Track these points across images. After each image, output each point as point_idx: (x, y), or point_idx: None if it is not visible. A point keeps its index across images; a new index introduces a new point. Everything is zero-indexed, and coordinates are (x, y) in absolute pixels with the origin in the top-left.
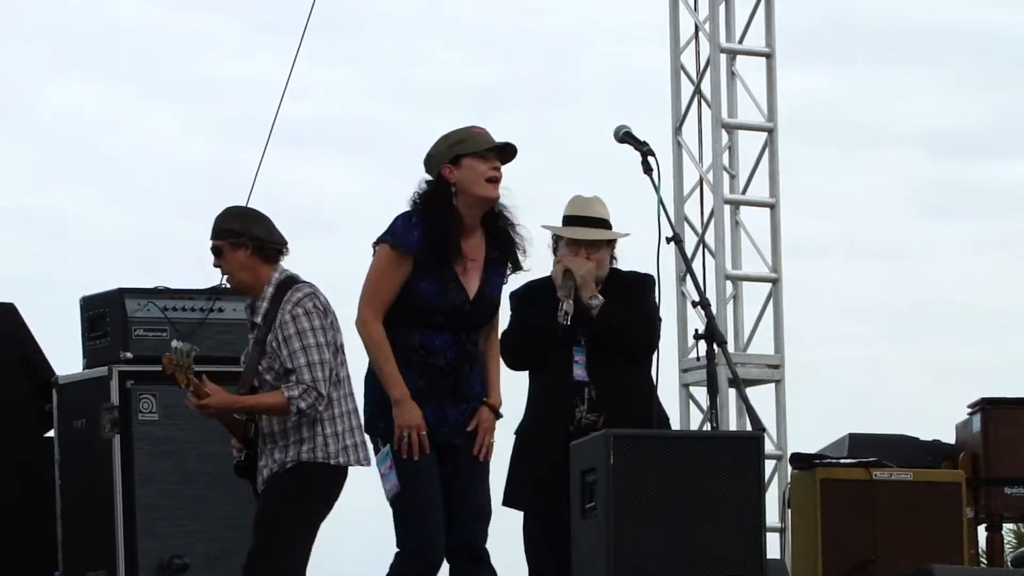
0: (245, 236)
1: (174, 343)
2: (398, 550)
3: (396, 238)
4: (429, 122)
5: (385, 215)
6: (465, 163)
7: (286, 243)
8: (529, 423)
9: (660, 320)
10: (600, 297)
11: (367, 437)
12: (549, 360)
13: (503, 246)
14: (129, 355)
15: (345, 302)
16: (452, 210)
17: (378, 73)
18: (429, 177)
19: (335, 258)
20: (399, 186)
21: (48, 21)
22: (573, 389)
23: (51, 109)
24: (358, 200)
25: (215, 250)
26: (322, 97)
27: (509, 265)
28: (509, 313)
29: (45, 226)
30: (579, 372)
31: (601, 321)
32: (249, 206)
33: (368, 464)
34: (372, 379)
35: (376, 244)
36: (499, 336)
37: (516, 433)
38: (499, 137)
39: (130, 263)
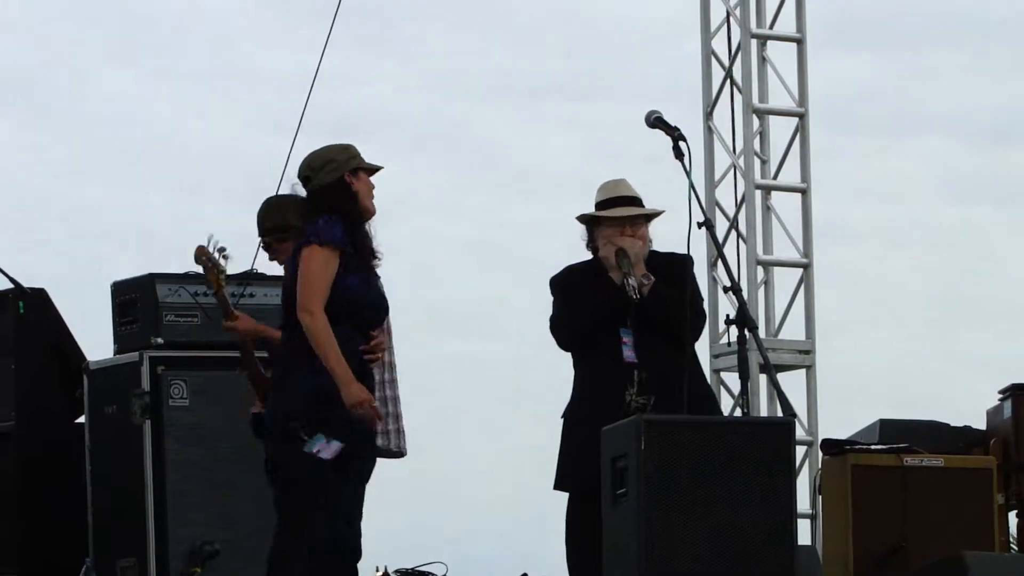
0: (289, 228)
1: (209, 236)
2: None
3: (321, 237)
4: (464, 112)
5: (426, 204)
6: (361, 176)
7: None
8: (579, 406)
9: (703, 301)
10: (651, 276)
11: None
12: (598, 341)
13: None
14: (160, 340)
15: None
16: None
17: (416, 63)
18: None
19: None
20: (438, 175)
21: (91, 11)
22: (623, 372)
23: (84, 97)
24: (401, 189)
25: (266, 247)
26: (363, 84)
27: None
28: (552, 298)
29: (78, 213)
30: (628, 354)
31: (655, 301)
32: (281, 194)
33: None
34: (292, 366)
35: (302, 247)
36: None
37: (564, 416)
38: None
39: (159, 250)
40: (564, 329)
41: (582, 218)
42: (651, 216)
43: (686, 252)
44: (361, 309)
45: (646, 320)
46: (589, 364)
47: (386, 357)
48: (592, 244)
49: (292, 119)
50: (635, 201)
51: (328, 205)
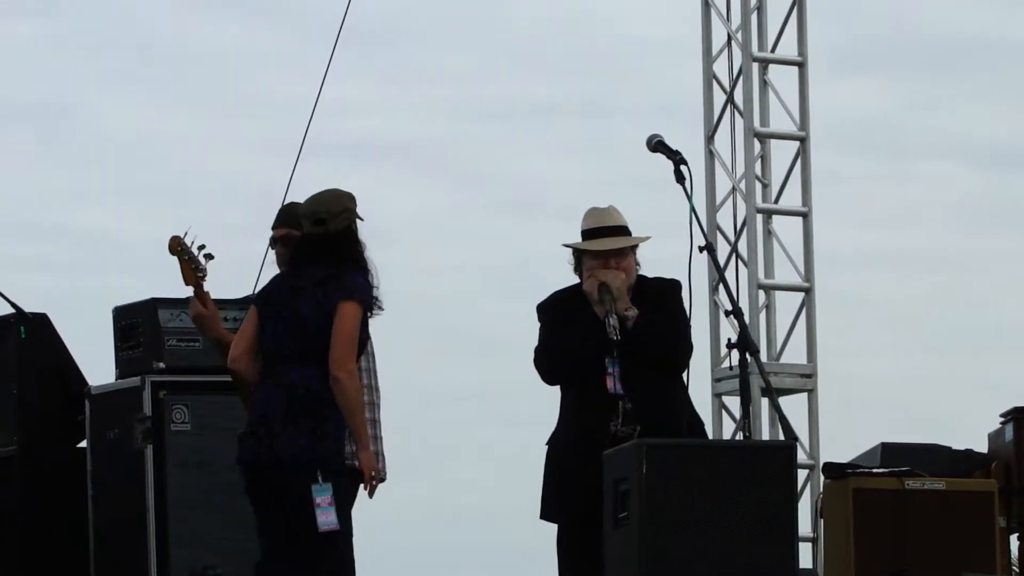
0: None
1: (188, 228)
2: None
3: (363, 297)
4: (470, 137)
5: (434, 230)
6: (357, 225)
7: None
8: (562, 436)
9: (690, 328)
10: (634, 308)
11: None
12: (583, 372)
13: None
14: (162, 365)
15: (396, 314)
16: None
17: (422, 89)
18: (320, 223)
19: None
20: (449, 201)
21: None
22: (608, 403)
23: (89, 122)
24: (412, 214)
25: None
26: (373, 112)
27: None
28: (539, 326)
29: (80, 238)
30: (613, 385)
31: (637, 334)
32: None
33: None
34: (330, 414)
35: (344, 300)
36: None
37: (548, 445)
38: None
39: (163, 274)
40: (548, 367)
41: (569, 246)
42: (637, 245)
43: (673, 277)
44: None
45: (631, 352)
46: (574, 394)
47: (365, 379)
48: (579, 270)
49: (296, 148)
50: (621, 231)
51: (354, 253)
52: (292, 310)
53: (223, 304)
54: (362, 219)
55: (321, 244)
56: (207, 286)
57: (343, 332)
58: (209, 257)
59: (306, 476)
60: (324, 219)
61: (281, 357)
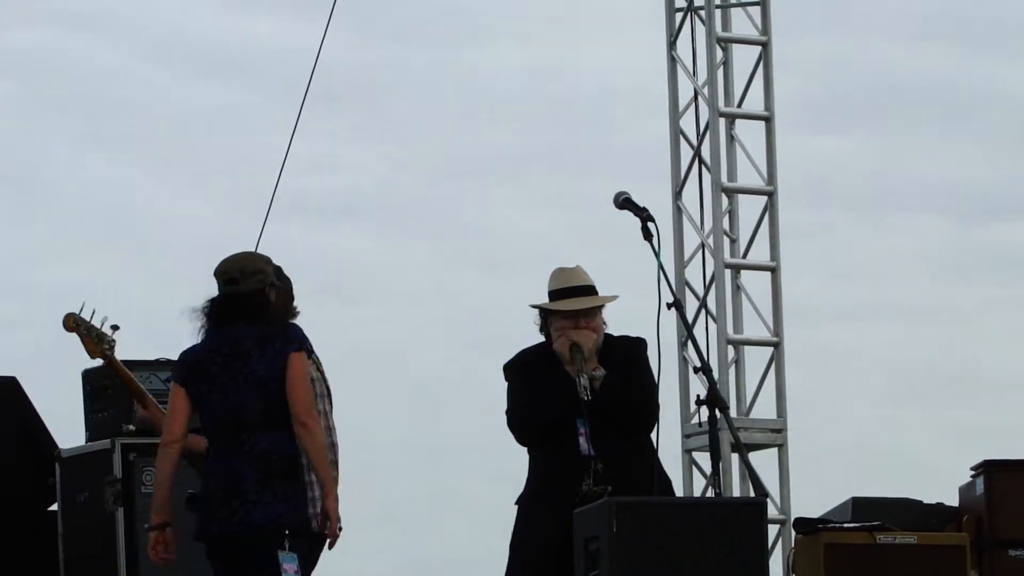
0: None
1: (82, 303)
2: None
3: (307, 346)
4: (437, 192)
5: (402, 283)
6: (270, 291)
7: None
8: (533, 495)
9: (658, 387)
10: (602, 369)
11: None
12: (554, 432)
13: None
14: (131, 428)
15: (362, 368)
16: None
17: (389, 145)
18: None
19: (351, 322)
20: (417, 255)
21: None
22: (578, 463)
23: (55, 180)
24: (379, 268)
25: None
26: (346, 167)
27: None
28: (507, 385)
29: (48, 299)
30: (585, 445)
31: (605, 396)
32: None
33: None
34: (300, 474)
35: (294, 352)
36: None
37: (518, 504)
38: None
39: (133, 335)
40: (521, 428)
41: (537, 307)
42: (604, 304)
43: (639, 336)
44: None
45: (601, 412)
46: (545, 453)
47: (323, 422)
48: (545, 329)
49: (280, 204)
50: (589, 290)
51: (266, 315)
52: (248, 376)
53: (132, 365)
54: (278, 284)
55: (234, 304)
56: (120, 354)
57: (302, 383)
58: (115, 328)
59: (277, 543)
60: (235, 279)
61: (244, 424)
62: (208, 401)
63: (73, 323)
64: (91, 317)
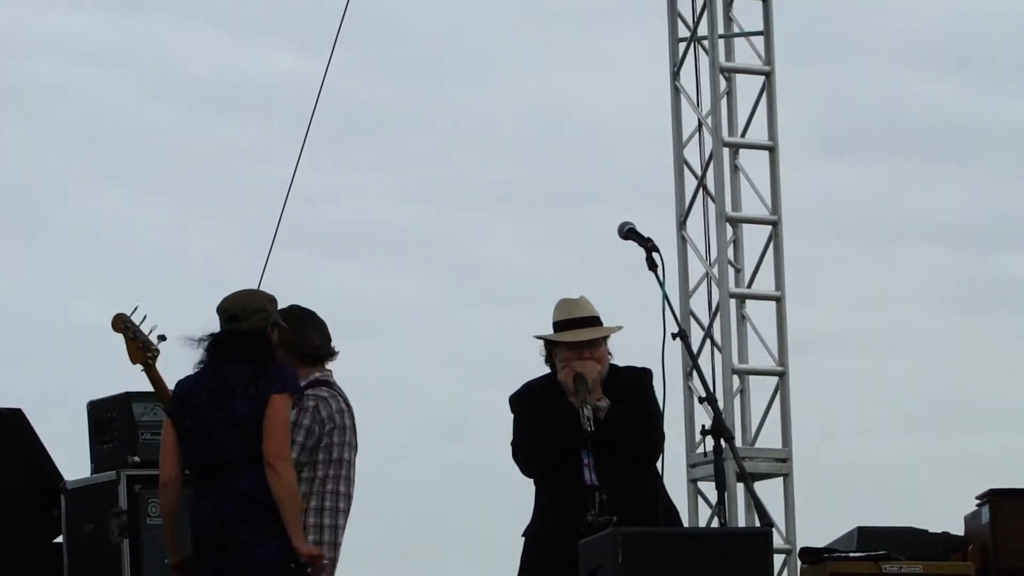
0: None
1: (135, 307)
2: None
3: (295, 388)
4: (441, 224)
5: (405, 317)
6: (273, 330)
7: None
8: (539, 527)
9: (663, 417)
10: (606, 399)
11: None
12: (559, 463)
13: None
14: (136, 459)
15: (374, 402)
16: None
17: (393, 177)
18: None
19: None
20: (422, 287)
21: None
22: (584, 494)
23: (62, 215)
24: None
25: None
26: (350, 199)
27: None
28: (513, 417)
29: (53, 331)
30: (589, 475)
31: (609, 426)
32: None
33: None
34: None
35: (276, 393)
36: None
37: (524, 536)
38: None
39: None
40: (526, 460)
41: (541, 337)
42: (609, 335)
43: (644, 366)
44: None
45: (605, 442)
46: (550, 485)
47: (345, 471)
48: (550, 360)
49: (284, 235)
50: (593, 321)
51: (267, 354)
52: (228, 413)
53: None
54: (283, 325)
55: (234, 341)
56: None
57: (283, 424)
58: (162, 338)
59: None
60: (237, 316)
61: (224, 463)
62: (191, 436)
63: (122, 325)
64: (141, 322)
